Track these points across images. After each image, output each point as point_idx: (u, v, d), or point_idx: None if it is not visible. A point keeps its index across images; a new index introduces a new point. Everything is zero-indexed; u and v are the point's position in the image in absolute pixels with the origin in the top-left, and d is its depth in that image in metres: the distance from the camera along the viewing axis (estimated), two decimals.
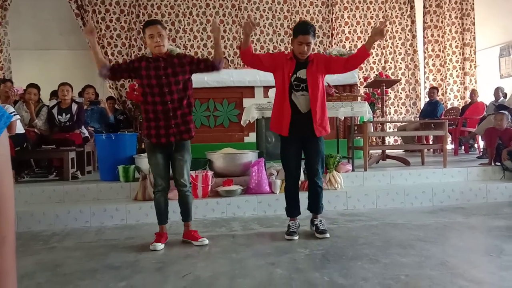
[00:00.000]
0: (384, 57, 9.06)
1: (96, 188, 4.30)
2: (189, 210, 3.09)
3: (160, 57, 2.94)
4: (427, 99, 8.15)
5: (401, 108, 9.07)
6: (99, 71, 2.97)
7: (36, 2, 8.32)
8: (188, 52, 8.27)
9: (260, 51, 8.56)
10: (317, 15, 8.84)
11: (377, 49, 9.04)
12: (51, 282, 2.41)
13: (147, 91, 2.92)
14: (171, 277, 2.41)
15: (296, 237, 3.13)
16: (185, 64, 2.98)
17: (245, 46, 3.06)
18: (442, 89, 9.06)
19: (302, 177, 4.41)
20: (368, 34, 9.00)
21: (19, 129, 4.70)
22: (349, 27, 8.97)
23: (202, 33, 8.39)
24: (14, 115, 4.65)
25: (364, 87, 8.11)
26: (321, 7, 8.85)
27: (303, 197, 3.34)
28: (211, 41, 8.40)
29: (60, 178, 4.87)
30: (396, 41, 9.08)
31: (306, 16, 8.79)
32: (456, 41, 9.12)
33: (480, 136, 6.76)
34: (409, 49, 9.08)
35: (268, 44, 8.60)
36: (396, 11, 9.09)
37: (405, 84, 9.05)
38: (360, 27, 9.00)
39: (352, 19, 8.98)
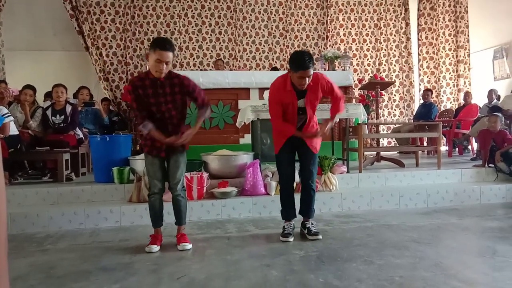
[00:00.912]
0: (379, 59, 9.11)
1: (90, 190, 4.28)
2: (182, 214, 3.07)
3: (158, 80, 2.84)
4: (421, 101, 8.19)
5: (395, 110, 9.12)
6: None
7: (30, 3, 8.28)
8: (183, 54, 8.28)
9: (255, 53, 8.58)
10: (312, 17, 8.87)
11: (371, 52, 9.09)
12: (44, 284, 2.39)
13: (145, 101, 2.88)
14: (165, 279, 2.40)
15: (291, 239, 3.14)
16: (184, 88, 2.90)
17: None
18: (435, 91, 9.12)
19: (297, 179, 4.43)
20: (362, 36, 9.05)
21: (13, 130, 4.67)
22: (344, 29, 9.01)
23: (197, 35, 8.39)
24: (8, 116, 4.62)
25: (358, 89, 8.15)
26: (316, 9, 8.89)
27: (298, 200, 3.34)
28: (206, 43, 8.41)
29: (54, 179, 4.85)
30: (390, 43, 9.13)
31: (301, 18, 8.82)
32: (449, 44, 9.19)
33: (474, 138, 6.80)
34: (403, 51, 9.14)
35: (264, 46, 8.62)
36: (390, 14, 9.15)
37: (399, 86, 9.11)
38: (355, 29, 9.05)
39: (347, 22, 9.02)
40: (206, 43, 8.42)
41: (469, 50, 9.14)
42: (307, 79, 2.97)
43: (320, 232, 3.20)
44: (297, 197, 3.33)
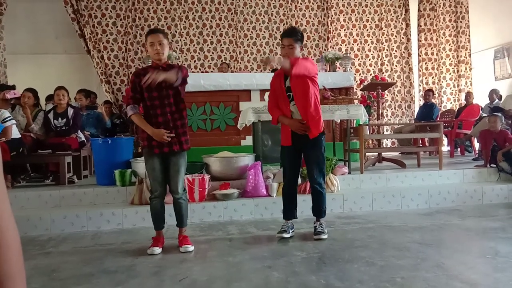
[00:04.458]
0: (380, 59, 9.10)
1: (92, 193, 4.30)
2: (183, 217, 3.08)
3: (160, 66, 2.90)
4: (421, 102, 8.17)
5: (397, 110, 9.11)
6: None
7: (32, 6, 8.32)
8: (184, 56, 8.29)
9: (256, 55, 8.59)
10: (313, 19, 8.88)
11: (373, 52, 9.08)
12: (47, 287, 2.40)
13: (148, 104, 2.91)
14: (167, 281, 2.41)
15: (287, 235, 3.17)
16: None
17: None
18: (436, 91, 9.11)
19: (299, 180, 4.43)
20: (364, 37, 9.04)
21: (15, 133, 4.69)
22: (344, 30, 9.01)
23: (198, 37, 8.40)
24: (10, 119, 4.64)
25: (360, 90, 8.14)
26: (316, 10, 8.89)
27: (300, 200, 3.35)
28: (207, 45, 8.43)
29: (56, 182, 4.86)
30: (391, 44, 9.13)
31: (301, 19, 8.83)
32: (450, 44, 9.18)
33: (475, 138, 6.79)
34: (404, 52, 9.13)
35: (265, 48, 8.63)
36: (391, 14, 9.14)
37: (401, 87, 9.10)
38: (356, 30, 9.04)
39: (348, 22, 9.02)
40: (207, 45, 8.43)
41: (470, 50, 9.13)
42: (288, 49, 3.08)
43: (325, 232, 3.21)
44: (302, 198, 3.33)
